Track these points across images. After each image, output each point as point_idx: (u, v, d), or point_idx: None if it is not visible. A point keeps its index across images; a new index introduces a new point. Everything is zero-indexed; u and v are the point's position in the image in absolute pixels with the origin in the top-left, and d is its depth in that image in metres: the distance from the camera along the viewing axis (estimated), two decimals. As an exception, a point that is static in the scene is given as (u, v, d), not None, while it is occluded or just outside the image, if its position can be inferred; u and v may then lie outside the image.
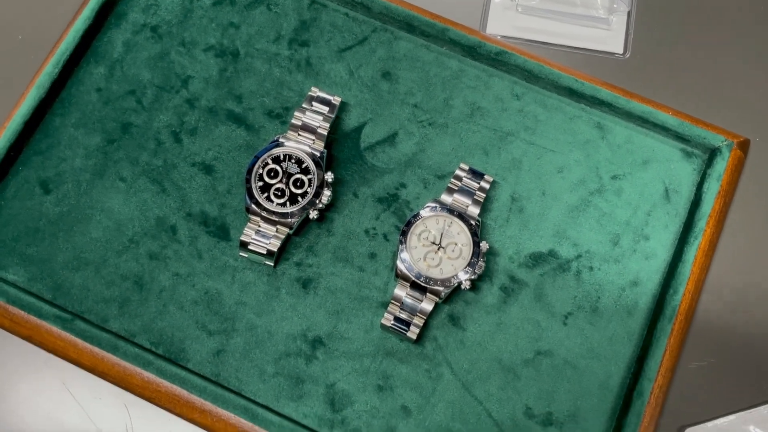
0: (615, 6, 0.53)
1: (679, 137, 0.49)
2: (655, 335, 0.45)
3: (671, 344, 0.44)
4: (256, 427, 0.43)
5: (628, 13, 0.53)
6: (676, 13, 0.54)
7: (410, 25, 0.51)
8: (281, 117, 0.50)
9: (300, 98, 0.50)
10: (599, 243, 0.47)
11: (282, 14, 0.52)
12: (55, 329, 0.45)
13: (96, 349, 0.45)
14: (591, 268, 0.47)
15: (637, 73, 0.53)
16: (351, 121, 0.50)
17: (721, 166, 0.48)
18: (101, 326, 0.46)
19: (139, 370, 0.44)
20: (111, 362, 0.45)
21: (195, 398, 0.44)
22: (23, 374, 0.46)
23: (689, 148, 0.49)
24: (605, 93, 0.49)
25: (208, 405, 0.44)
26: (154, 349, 0.45)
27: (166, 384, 0.44)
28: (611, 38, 0.53)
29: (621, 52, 0.53)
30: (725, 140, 0.48)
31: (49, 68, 0.49)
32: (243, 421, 0.43)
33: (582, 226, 0.48)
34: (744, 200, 0.50)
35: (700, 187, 0.48)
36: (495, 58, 0.50)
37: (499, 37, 0.52)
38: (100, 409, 0.45)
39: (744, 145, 0.49)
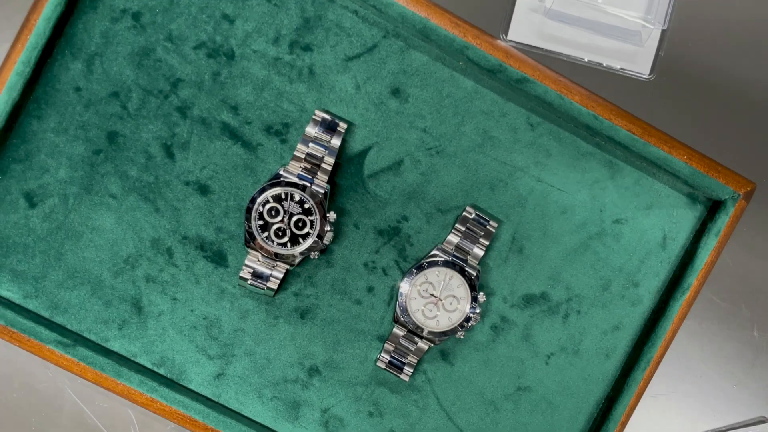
0: (649, 22, 0.47)
1: (688, 184, 0.47)
2: (627, 381, 0.47)
3: (640, 390, 0.47)
4: (256, 449, 0.46)
5: (663, 31, 0.48)
6: (708, 38, 0.49)
7: (426, 36, 0.45)
8: (281, 134, 0.46)
9: (301, 113, 0.46)
10: (590, 288, 0.48)
11: (282, 7, 0.46)
12: (59, 352, 0.45)
13: (96, 371, 0.45)
14: (579, 312, 0.48)
15: (660, 95, 0.49)
16: (356, 144, 0.46)
17: (723, 221, 0.47)
18: (102, 347, 0.46)
19: (142, 392, 0.45)
20: (115, 382, 0.46)
21: (198, 419, 0.46)
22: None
23: (695, 193, 0.48)
24: (624, 134, 0.46)
25: (212, 427, 0.46)
26: (155, 369, 0.46)
27: (166, 405, 0.46)
28: (640, 56, 0.48)
29: (647, 72, 0.48)
30: (732, 193, 0.47)
31: (20, 67, 0.43)
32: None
33: (576, 270, 0.48)
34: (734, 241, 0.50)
35: (697, 239, 0.48)
36: (515, 85, 0.46)
37: (518, 45, 0.46)
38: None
39: (750, 194, 0.48)
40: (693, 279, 0.46)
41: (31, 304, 0.44)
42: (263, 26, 0.44)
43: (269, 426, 0.45)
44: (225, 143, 0.45)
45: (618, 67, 0.47)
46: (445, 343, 0.46)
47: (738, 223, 0.47)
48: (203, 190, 0.45)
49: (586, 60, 0.47)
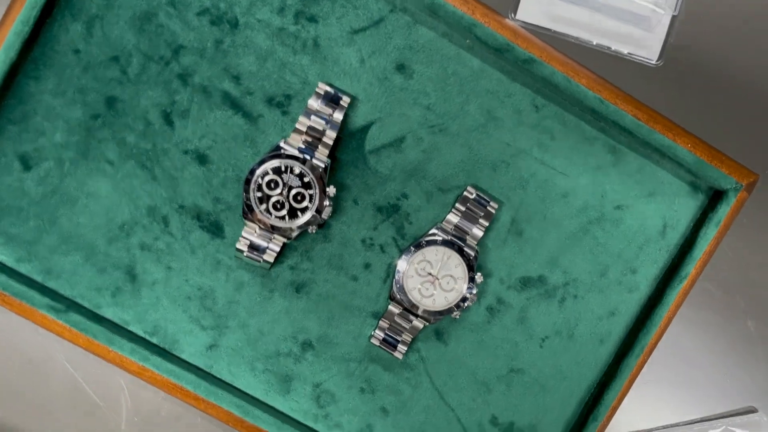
0: (660, 7, 0.46)
1: (691, 172, 0.47)
2: (620, 367, 0.47)
3: (632, 376, 0.47)
4: (248, 421, 0.46)
5: (673, 17, 0.47)
6: (719, 27, 0.48)
7: (434, 11, 0.45)
8: (282, 106, 0.45)
9: (304, 85, 0.45)
10: (588, 273, 0.48)
11: (289, -24, 0.44)
12: (50, 316, 0.44)
13: (89, 338, 0.45)
14: (575, 297, 0.48)
15: (668, 82, 0.48)
16: (358, 119, 0.46)
17: (724, 211, 0.47)
18: (95, 314, 0.45)
19: (136, 362, 0.45)
20: (107, 349, 0.45)
21: (188, 389, 0.46)
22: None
23: (698, 182, 0.47)
24: (629, 119, 0.46)
25: (200, 395, 0.46)
26: (148, 338, 0.46)
27: (158, 372, 0.45)
28: (649, 41, 0.48)
29: (655, 58, 0.48)
30: (735, 184, 0.46)
31: (18, 26, 0.42)
32: (239, 417, 0.45)
33: (575, 255, 0.47)
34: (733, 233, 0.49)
35: (697, 228, 0.47)
36: (522, 66, 0.45)
37: (526, 25, 0.45)
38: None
39: (752, 185, 0.48)
40: (691, 268, 0.46)
41: (23, 268, 0.43)
42: None
43: (260, 398, 0.45)
44: (225, 113, 0.44)
45: (626, 51, 0.46)
46: (440, 322, 0.46)
47: (738, 214, 0.46)
48: (202, 159, 0.44)
49: (594, 43, 0.46)
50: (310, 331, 0.45)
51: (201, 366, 0.45)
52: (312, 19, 0.44)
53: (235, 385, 0.45)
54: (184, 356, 0.45)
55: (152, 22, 0.43)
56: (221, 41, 0.43)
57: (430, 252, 0.43)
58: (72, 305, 0.43)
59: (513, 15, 0.46)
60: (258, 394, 0.46)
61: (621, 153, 0.46)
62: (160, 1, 0.43)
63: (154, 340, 0.45)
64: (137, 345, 0.43)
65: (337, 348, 0.46)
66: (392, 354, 0.45)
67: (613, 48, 0.46)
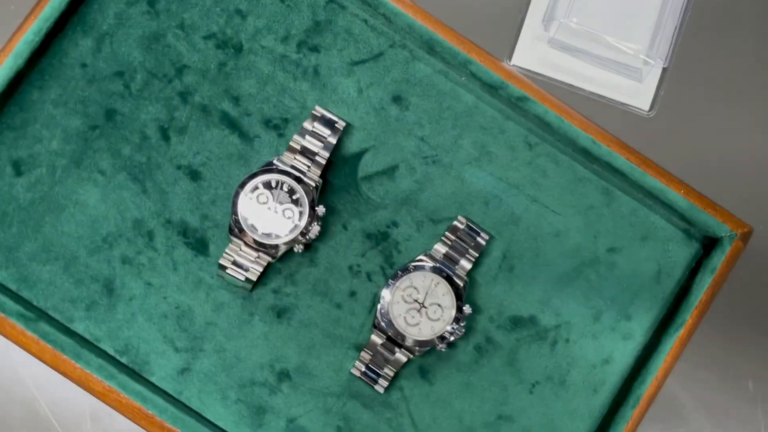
0: (651, 59, 0.48)
1: (685, 219, 0.46)
2: (615, 419, 0.44)
3: (628, 428, 0.44)
4: (213, 454, 0.42)
5: (664, 69, 0.48)
6: (710, 76, 0.49)
7: (432, 48, 0.46)
8: (279, 129, 0.45)
9: (302, 110, 0.45)
10: (581, 316, 0.46)
11: (295, 9, 0.46)
12: (18, 325, 0.42)
13: (52, 349, 0.42)
14: (567, 341, 0.45)
15: (659, 132, 0.49)
16: (352, 145, 0.46)
17: (719, 258, 0.45)
18: (66, 327, 0.43)
19: (99, 380, 0.42)
20: (73, 366, 0.42)
21: (153, 415, 0.42)
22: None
23: (692, 230, 0.46)
24: (621, 161, 0.46)
25: (168, 425, 0.42)
26: (118, 357, 0.43)
27: (124, 395, 0.42)
28: (640, 91, 0.49)
29: (647, 108, 0.48)
30: (730, 232, 0.45)
31: (30, 36, 0.43)
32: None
33: (568, 296, 0.46)
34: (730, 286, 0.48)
35: (692, 275, 0.46)
36: (515, 103, 0.46)
37: (521, 69, 0.46)
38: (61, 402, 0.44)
39: (746, 236, 0.47)
40: (687, 315, 0.44)
41: None
42: (274, 24, 0.45)
43: (229, 431, 0.42)
44: (222, 132, 0.44)
45: (618, 100, 0.47)
46: (425, 359, 0.44)
47: (735, 267, 0.45)
48: (194, 175, 0.44)
49: (587, 90, 0.47)
50: (288, 360, 0.43)
51: (170, 391, 0.43)
52: (314, 49, 0.45)
53: (204, 414, 0.43)
54: (153, 379, 0.43)
55: (160, 42, 0.45)
56: (224, 64, 0.45)
57: (417, 278, 0.42)
58: (43, 315, 0.42)
59: (508, 61, 0.48)
60: (228, 426, 0.43)
61: (614, 195, 0.46)
62: (170, 23, 0.45)
63: (124, 360, 0.43)
64: (105, 362, 0.42)
65: (315, 380, 0.44)
66: (373, 387, 0.42)
67: (605, 96, 0.48)
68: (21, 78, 0.44)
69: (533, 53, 0.48)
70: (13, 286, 0.43)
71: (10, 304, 0.41)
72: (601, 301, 0.45)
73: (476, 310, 0.45)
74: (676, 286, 0.46)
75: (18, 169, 0.44)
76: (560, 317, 0.45)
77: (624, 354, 0.45)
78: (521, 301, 0.45)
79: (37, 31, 0.43)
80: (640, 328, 0.45)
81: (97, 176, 0.44)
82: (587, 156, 0.46)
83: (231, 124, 0.45)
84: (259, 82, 0.45)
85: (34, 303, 0.42)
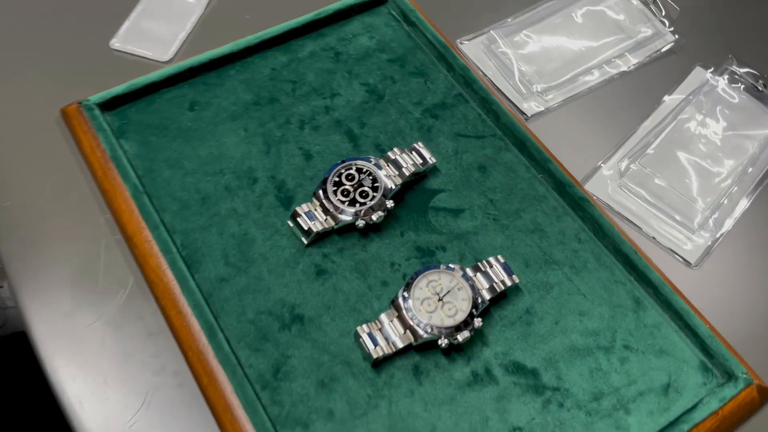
0: (709, 226, 0.55)
1: (705, 349, 0.49)
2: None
3: None
4: (209, 347, 0.46)
5: (717, 236, 0.56)
6: (763, 245, 0.55)
7: (522, 145, 0.58)
8: (384, 151, 0.57)
9: (407, 146, 0.58)
10: (581, 389, 0.47)
11: (432, 91, 0.62)
12: (127, 192, 0.53)
13: (141, 219, 0.51)
14: (561, 405, 0.47)
15: (699, 286, 0.54)
16: (434, 182, 0.56)
17: (730, 392, 0.47)
18: (159, 214, 0.53)
19: (159, 254, 0.50)
20: (145, 237, 0.51)
21: (183, 300, 0.49)
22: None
23: (709, 364, 0.49)
24: (655, 275, 0.51)
25: (186, 308, 0.48)
26: (180, 249, 0.51)
27: (169, 275, 0.49)
28: (691, 246, 0.55)
29: (693, 262, 0.55)
30: (746, 374, 0.47)
31: (253, 38, 0.62)
32: (203, 338, 0.47)
33: (574, 368, 0.48)
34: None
35: (700, 401, 0.47)
36: (576, 202, 0.55)
37: (594, 197, 0.56)
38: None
39: (764, 392, 0.48)
40: (686, 427, 0.46)
41: (136, 163, 0.56)
42: (413, 93, 0.62)
43: (232, 345, 0.47)
44: (342, 138, 0.58)
45: (668, 247, 0.56)
46: (423, 359, 0.48)
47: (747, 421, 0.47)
48: (307, 156, 0.57)
49: (642, 229, 0.57)
50: (307, 309, 0.50)
51: (203, 291, 0.50)
52: (434, 116, 0.61)
53: (218, 319, 0.49)
54: (196, 276, 0.51)
55: (330, 75, 0.62)
56: (366, 102, 0.61)
57: (445, 275, 0.49)
58: (146, 194, 0.53)
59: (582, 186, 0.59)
60: (231, 337, 0.48)
61: (643, 306, 0.52)
62: (342, 68, 0.63)
63: (184, 253, 0.52)
64: (170, 245, 0.51)
65: (321, 335, 0.49)
66: (369, 351, 0.47)
67: (657, 239, 0.57)
68: (224, 62, 0.62)
69: (603, 188, 0.59)
70: (140, 171, 0.55)
71: (133, 180, 0.53)
72: (604, 385, 0.48)
73: (485, 342, 0.49)
74: (682, 408, 0.47)
75: (192, 107, 0.59)
76: (561, 382, 0.48)
77: (614, 442, 0.46)
78: (529, 352, 0.49)
79: (256, 38, 0.62)
80: (636, 425, 0.47)
81: (241, 131, 0.58)
82: (627, 264, 0.53)
83: (351, 137, 0.59)
84: (384, 121, 0.60)
85: (146, 189, 0.54)
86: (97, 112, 0.55)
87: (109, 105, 0.56)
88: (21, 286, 0.48)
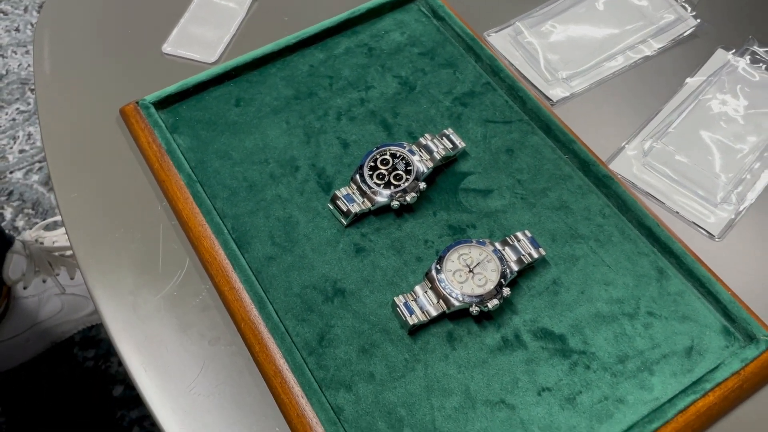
0: (731, 200, 0.59)
1: (727, 314, 0.52)
2: (611, 448, 0.46)
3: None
4: (260, 318, 0.52)
5: (740, 209, 0.59)
6: (780, 227, 0.58)
7: (548, 128, 0.62)
8: (416, 138, 0.62)
9: (436, 134, 0.62)
10: (606, 353, 0.51)
11: (461, 81, 0.66)
12: (182, 181, 0.59)
13: (195, 206, 0.57)
14: (588, 367, 0.50)
15: (722, 257, 0.57)
16: (464, 165, 0.61)
17: (752, 353, 0.50)
18: (211, 201, 0.59)
19: (212, 236, 0.56)
20: (199, 221, 0.57)
21: (234, 276, 0.54)
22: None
23: (731, 328, 0.52)
24: (677, 246, 0.55)
25: (238, 283, 0.54)
26: (231, 232, 0.57)
27: (222, 255, 0.55)
28: (714, 219, 0.59)
29: (717, 234, 0.58)
30: (766, 334, 0.50)
31: (291, 38, 0.67)
32: (254, 310, 0.52)
33: (599, 333, 0.52)
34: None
35: (722, 362, 0.50)
36: (601, 179, 0.58)
37: (619, 176, 0.60)
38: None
39: (787, 355, 0.50)
40: (709, 385, 0.49)
41: (189, 155, 0.62)
42: (443, 83, 0.66)
43: (281, 316, 0.52)
44: (377, 128, 0.63)
45: (690, 220, 0.59)
46: (456, 327, 0.53)
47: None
48: (345, 145, 0.62)
49: (665, 204, 0.60)
50: (348, 283, 0.55)
51: (253, 269, 0.56)
52: (464, 104, 0.65)
53: (267, 294, 0.55)
54: (246, 256, 0.56)
55: (364, 70, 0.67)
56: (399, 93, 0.66)
57: (475, 249, 0.54)
58: (199, 183, 0.59)
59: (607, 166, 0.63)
60: (279, 309, 0.54)
61: (666, 276, 0.55)
62: (376, 63, 0.68)
63: (234, 235, 0.58)
64: (222, 228, 0.57)
65: (361, 306, 0.54)
66: (406, 319, 0.52)
67: (680, 213, 0.60)
68: (269, 60, 0.67)
69: (628, 166, 0.62)
70: (192, 164, 0.61)
71: (186, 169, 0.59)
72: (629, 348, 0.52)
73: (514, 310, 0.53)
74: (705, 369, 0.50)
75: (238, 102, 0.65)
76: (587, 346, 0.52)
77: (638, 400, 0.49)
78: (556, 319, 0.53)
79: (294, 38, 0.67)
80: (660, 385, 0.50)
81: (283, 124, 0.64)
82: (650, 236, 0.56)
83: (386, 126, 0.64)
84: (416, 110, 0.64)
85: (199, 179, 0.60)
86: (152, 110, 0.62)
87: (162, 103, 0.62)
88: (89, 269, 0.54)
